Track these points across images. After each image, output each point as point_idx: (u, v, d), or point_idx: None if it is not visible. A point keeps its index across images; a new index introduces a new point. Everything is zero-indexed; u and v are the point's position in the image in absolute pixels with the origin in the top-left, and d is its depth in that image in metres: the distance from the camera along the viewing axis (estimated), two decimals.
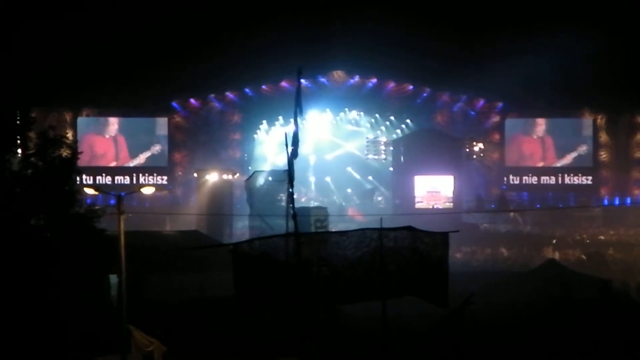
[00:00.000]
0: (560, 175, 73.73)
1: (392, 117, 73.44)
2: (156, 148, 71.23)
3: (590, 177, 73.83)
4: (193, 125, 71.89)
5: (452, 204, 65.19)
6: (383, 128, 73.86)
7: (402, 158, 67.50)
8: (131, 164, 70.87)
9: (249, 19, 70.63)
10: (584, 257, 53.92)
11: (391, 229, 20.63)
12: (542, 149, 74.35)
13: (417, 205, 64.20)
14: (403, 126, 73.29)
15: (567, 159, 74.18)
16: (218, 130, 71.62)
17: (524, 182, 73.38)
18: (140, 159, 71.18)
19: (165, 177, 70.72)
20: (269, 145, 71.76)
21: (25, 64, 61.91)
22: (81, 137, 65.78)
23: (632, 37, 68.75)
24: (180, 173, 71.09)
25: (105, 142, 70.94)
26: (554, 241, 59.32)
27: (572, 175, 73.82)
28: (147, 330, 27.66)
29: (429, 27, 68.68)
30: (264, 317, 24.29)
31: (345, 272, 20.64)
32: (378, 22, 67.96)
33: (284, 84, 68.69)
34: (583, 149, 73.97)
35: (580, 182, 73.75)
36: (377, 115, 73.60)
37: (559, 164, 74.09)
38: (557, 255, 52.14)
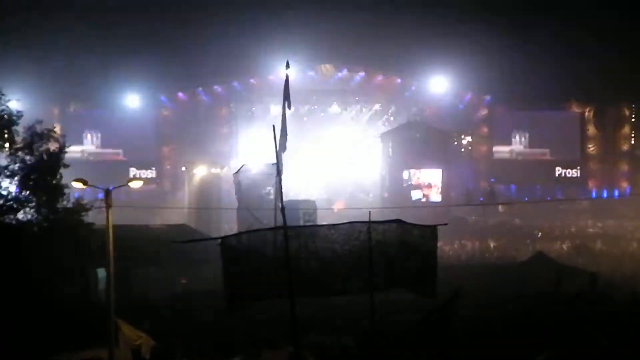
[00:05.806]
0: (548, 168, 73.71)
1: (379, 110, 73.17)
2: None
3: (578, 170, 73.92)
4: (181, 118, 71.69)
5: (440, 196, 65.17)
6: (371, 121, 73.52)
7: (390, 151, 67.38)
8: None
9: (236, 12, 70.51)
10: (571, 249, 54.07)
11: (380, 222, 20.58)
12: (528, 143, 74.22)
13: (412, 196, 63.99)
14: (392, 119, 73.03)
15: (552, 154, 74.30)
16: (206, 124, 71.39)
17: (512, 175, 73.28)
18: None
19: (153, 170, 70.51)
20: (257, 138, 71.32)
21: (13, 58, 61.62)
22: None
23: (618, 29, 68.76)
24: (168, 167, 70.96)
25: None
26: (539, 234, 59.56)
27: (560, 168, 73.85)
28: (135, 324, 27.61)
29: (418, 20, 68.78)
30: (253, 310, 24.24)
31: (334, 266, 20.56)
32: (364, 15, 68.06)
33: (271, 77, 68.51)
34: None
35: (568, 174, 73.77)
36: (364, 107, 73.29)
37: (545, 158, 74.15)
38: (545, 248, 52.24)
